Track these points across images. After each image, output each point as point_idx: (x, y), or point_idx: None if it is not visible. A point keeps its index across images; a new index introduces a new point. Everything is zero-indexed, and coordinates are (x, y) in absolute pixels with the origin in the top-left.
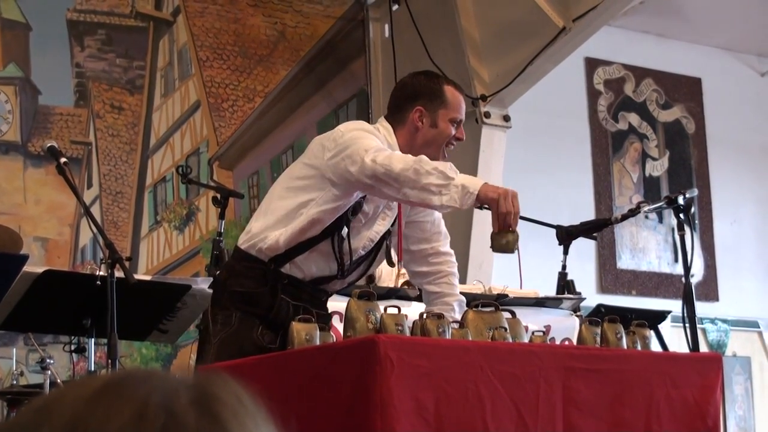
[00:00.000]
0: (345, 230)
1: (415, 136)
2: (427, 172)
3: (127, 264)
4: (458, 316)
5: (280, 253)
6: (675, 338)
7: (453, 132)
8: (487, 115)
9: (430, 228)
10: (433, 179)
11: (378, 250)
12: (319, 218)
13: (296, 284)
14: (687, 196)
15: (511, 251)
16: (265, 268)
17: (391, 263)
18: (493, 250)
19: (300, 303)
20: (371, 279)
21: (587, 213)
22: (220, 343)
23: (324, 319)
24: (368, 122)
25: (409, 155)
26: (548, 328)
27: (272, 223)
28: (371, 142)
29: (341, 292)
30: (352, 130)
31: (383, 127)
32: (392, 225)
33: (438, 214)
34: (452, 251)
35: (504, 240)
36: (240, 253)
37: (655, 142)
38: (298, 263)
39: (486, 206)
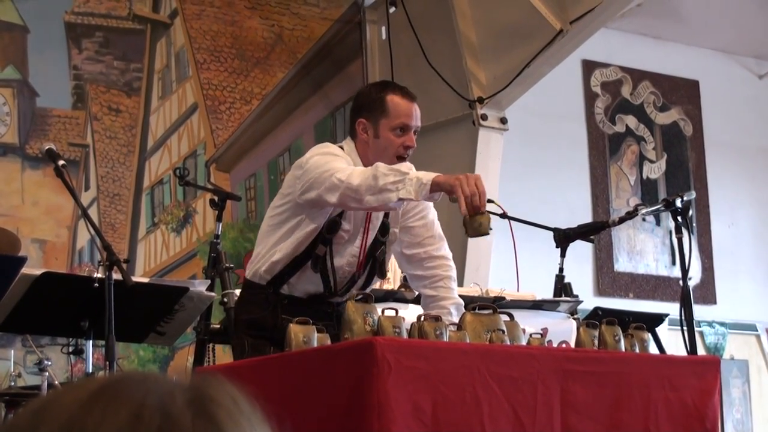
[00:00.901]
0: (324, 249)
1: (366, 149)
2: (384, 174)
3: (124, 266)
4: (455, 319)
5: (275, 274)
6: (672, 341)
7: (399, 141)
8: (484, 117)
9: (422, 232)
10: (390, 178)
11: (373, 263)
12: (301, 240)
13: (296, 303)
14: (685, 198)
15: (486, 233)
16: (266, 292)
17: (382, 275)
18: (468, 236)
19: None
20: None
21: (584, 215)
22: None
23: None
24: None
25: (368, 167)
26: (545, 330)
27: (266, 250)
28: (333, 163)
29: None
30: (315, 155)
31: (347, 144)
32: (384, 236)
33: (431, 218)
34: (449, 254)
35: (476, 223)
36: (246, 282)
37: (652, 145)
38: (293, 284)
39: (453, 197)
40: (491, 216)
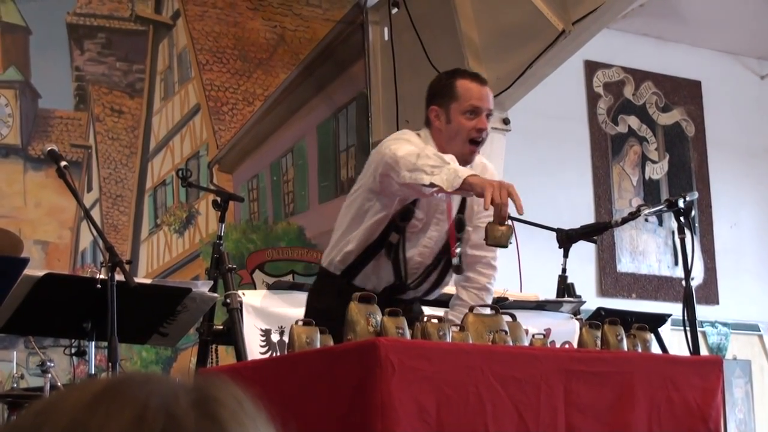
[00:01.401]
0: (397, 237)
1: (440, 136)
2: (426, 156)
3: (127, 267)
4: None
5: (349, 264)
6: (675, 341)
7: (470, 124)
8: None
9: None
10: (430, 161)
11: (444, 258)
12: (373, 228)
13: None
14: (687, 199)
15: (504, 245)
16: (339, 283)
17: (458, 271)
18: (487, 243)
19: None
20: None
21: (587, 216)
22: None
23: None
24: (367, 126)
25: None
26: (548, 331)
27: (339, 237)
28: (401, 145)
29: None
30: (389, 140)
31: (423, 132)
32: (460, 232)
33: None
34: (498, 267)
35: (498, 233)
36: (320, 272)
37: (654, 145)
38: (367, 274)
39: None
40: (514, 230)
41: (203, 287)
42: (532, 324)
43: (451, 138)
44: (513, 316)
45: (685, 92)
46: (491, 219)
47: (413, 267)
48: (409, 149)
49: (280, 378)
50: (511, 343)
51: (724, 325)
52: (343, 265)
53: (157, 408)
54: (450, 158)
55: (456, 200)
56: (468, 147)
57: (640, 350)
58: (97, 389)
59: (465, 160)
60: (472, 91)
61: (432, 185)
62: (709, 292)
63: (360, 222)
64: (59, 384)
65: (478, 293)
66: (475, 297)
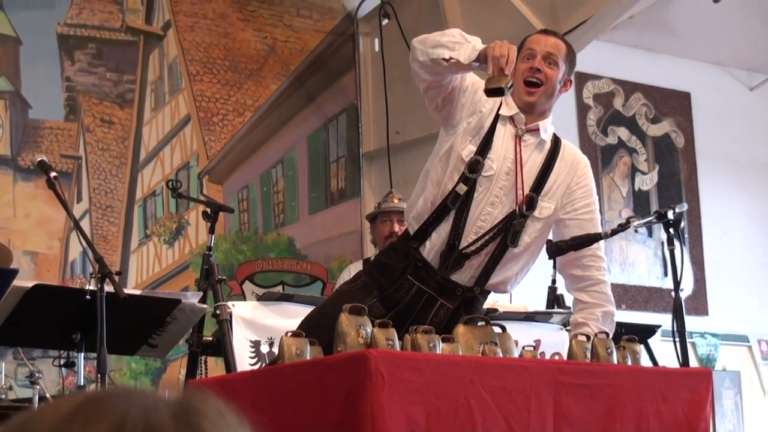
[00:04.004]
0: (465, 188)
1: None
2: (451, 34)
3: (116, 278)
4: (600, 325)
5: (422, 223)
6: (665, 352)
7: (525, 65)
8: None
9: (589, 227)
10: (454, 38)
11: (504, 234)
12: (443, 167)
13: (428, 269)
14: (677, 210)
15: (502, 93)
16: (410, 246)
17: (513, 243)
18: (486, 94)
19: (427, 289)
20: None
21: None
22: (336, 294)
23: (444, 313)
24: (358, 137)
25: None
26: (538, 342)
27: (419, 191)
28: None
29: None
30: None
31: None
32: (530, 209)
33: (597, 213)
34: (605, 257)
35: (495, 81)
36: (404, 231)
37: (644, 156)
38: (433, 242)
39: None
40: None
41: (193, 298)
42: (521, 335)
43: (516, 88)
44: (503, 328)
45: (674, 103)
46: (591, 213)
47: (472, 229)
48: (436, 33)
49: (270, 389)
50: (501, 355)
51: (714, 336)
52: (416, 222)
53: (137, 418)
54: (474, 39)
55: (530, 154)
56: (524, 89)
57: (629, 362)
58: (78, 401)
59: (526, 105)
60: (533, 37)
61: (451, 59)
62: (699, 303)
63: (435, 171)
64: (48, 395)
65: (596, 290)
66: (596, 294)
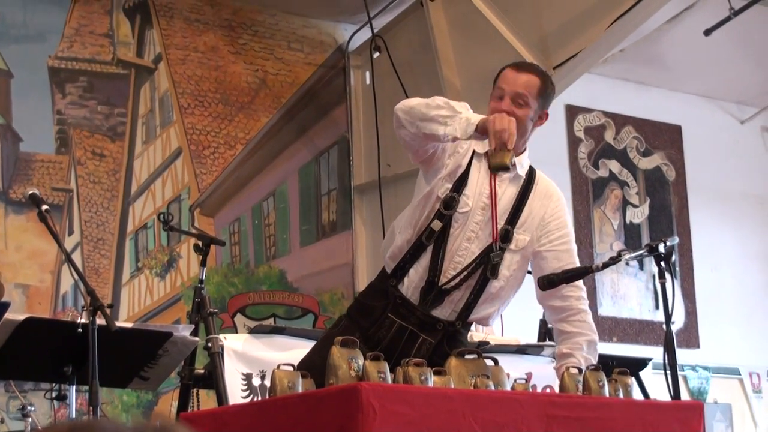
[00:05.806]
0: (440, 225)
1: None
2: (438, 106)
3: (108, 311)
4: (586, 355)
5: (398, 261)
6: (656, 385)
7: (494, 106)
8: None
9: (566, 258)
10: (442, 111)
11: (483, 266)
12: (420, 209)
13: (408, 306)
14: (668, 243)
15: (506, 165)
16: (387, 284)
17: (493, 275)
18: (491, 170)
19: (408, 325)
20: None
21: None
22: (322, 339)
23: (426, 348)
24: (349, 169)
25: None
26: (529, 375)
27: (394, 231)
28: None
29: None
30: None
31: None
32: (505, 242)
33: (573, 244)
34: (584, 287)
35: (498, 156)
36: (382, 269)
37: (635, 189)
38: (411, 279)
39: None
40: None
41: (184, 331)
42: (513, 368)
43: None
44: (495, 360)
45: (665, 136)
46: (567, 244)
47: (452, 263)
48: (418, 100)
49: (262, 422)
50: (493, 388)
51: (705, 368)
52: (393, 261)
53: None
54: (462, 106)
55: (505, 188)
56: None
57: (621, 395)
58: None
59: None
60: (504, 75)
61: (446, 135)
62: (690, 336)
63: (410, 211)
64: (39, 428)
65: (578, 318)
66: (578, 323)
